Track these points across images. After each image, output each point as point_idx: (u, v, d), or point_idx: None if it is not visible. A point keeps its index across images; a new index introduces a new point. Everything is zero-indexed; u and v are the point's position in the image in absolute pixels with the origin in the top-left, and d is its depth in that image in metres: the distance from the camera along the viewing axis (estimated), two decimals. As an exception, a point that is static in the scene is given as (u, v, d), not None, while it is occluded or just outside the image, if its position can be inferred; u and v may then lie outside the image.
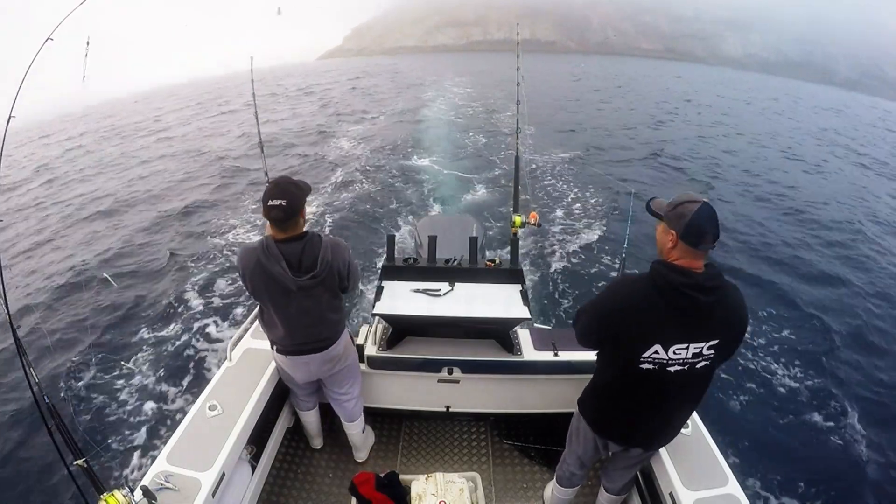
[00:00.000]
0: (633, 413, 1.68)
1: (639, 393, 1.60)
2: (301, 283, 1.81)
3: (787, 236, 8.33)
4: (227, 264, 6.92)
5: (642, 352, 1.46)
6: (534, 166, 11.39)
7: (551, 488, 2.25)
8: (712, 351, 1.46)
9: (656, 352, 1.45)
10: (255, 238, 6.97)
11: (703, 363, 1.48)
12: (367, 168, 11.73)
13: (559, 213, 8.84)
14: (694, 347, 1.44)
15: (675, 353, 1.45)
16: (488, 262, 2.67)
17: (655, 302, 1.41)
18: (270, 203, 1.72)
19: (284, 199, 1.73)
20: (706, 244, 1.36)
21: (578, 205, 9.26)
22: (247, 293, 5.75)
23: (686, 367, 1.47)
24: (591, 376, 1.83)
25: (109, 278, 6.26)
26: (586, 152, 13.54)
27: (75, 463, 1.45)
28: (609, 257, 6.90)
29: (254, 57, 3.20)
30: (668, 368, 1.47)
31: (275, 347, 2.07)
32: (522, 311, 2.30)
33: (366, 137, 15.52)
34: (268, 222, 1.82)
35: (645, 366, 1.49)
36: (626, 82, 37.10)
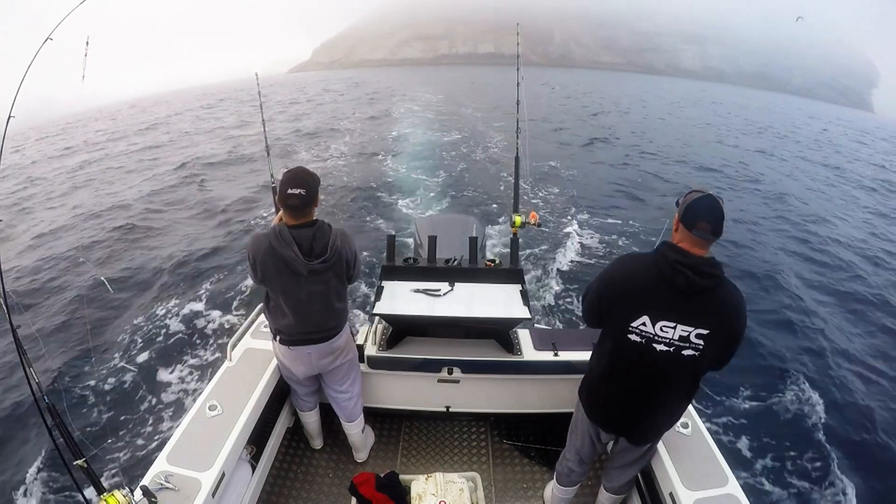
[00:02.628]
0: (621, 395, 1.70)
1: (627, 371, 1.64)
2: (312, 266, 1.88)
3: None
4: (228, 264, 6.92)
5: (631, 321, 1.53)
6: (536, 172, 11.46)
7: (551, 488, 2.25)
8: (701, 342, 1.48)
9: (644, 323, 1.51)
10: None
11: (689, 351, 1.49)
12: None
13: (559, 212, 8.85)
14: (682, 329, 1.48)
15: (662, 329, 1.49)
16: (488, 262, 2.67)
17: (651, 274, 1.49)
18: (290, 192, 1.81)
19: (303, 189, 1.82)
20: (700, 230, 1.42)
21: (578, 204, 9.28)
22: (249, 290, 5.85)
23: (672, 350, 1.50)
24: None
25: (105, 282, 6.26)
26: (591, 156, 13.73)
27: (75, 463, 1.45)
28: (611, 257, 6.90)
29: (256, 71, 3.46)
30: (654, 345, 1.52)
31: (278, 338, 2.08)
32: (522, 311, 2.30)
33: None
34: (279, 211, 1.93)
35: (633, 336, 1.54)
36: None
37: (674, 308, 1.47)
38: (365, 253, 6.90)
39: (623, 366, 1.64)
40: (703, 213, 1.42)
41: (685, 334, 1.48)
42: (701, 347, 1.49)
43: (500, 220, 7.96)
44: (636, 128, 21.54)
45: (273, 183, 2.71)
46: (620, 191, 10.86)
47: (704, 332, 1.46)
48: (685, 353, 1.50)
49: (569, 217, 8.60)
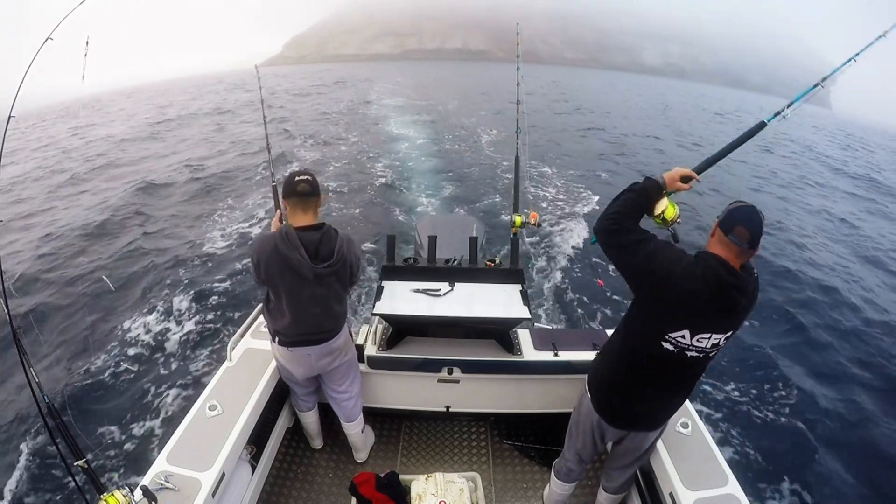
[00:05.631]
0: (635, 388, 1.69)
1: (650, 369, 1.63)
2: (318, 270, 1.89)
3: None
4: (227, 264, 6.92)
5: (670, 331, 1.51)
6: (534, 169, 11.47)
7: (550, 486, 2.25)
8: (726, 342, 1.55)
9: (683, 336, 1.51)
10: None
11: (714, 352, 1.56)
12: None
13: (558, 211, 8.84)
14: (715, 338, 1.51)
15: (698, 341, 1.51)
16: (488, 262, 2.67)
17: (702, 292, 1.43)
18: (297, 178, 1.89)
19: (309, 175, 1.92)
20: (737, 236, 1.39)
21: (576, 202, 9.28)
22: (249, 289, 5.84)
23: (701, 356, 1.54)
24: None
25: (106, 279, 6.25)
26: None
27: (75, 463, 1.45)
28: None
29: (256, 67, 3.37)
30: (687, 353, 1.53)
31: (276, 339, 2.08)
32: (522, 311, 2.30)
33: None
34: (285, 213, 1.98)
35: (666, 345, 1.53)
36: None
37: (714, 322, 1.49)
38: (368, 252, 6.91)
39: (647, 364, 1.62)
40: (744, 219, 1.40)
41: (717, 341, 1.52)
42: (722, 345, 1.56)
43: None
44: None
45: (274, 182, 2.72)
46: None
47: (731, 333, 1.53)
48: (710, 353, 1.56)
49: (570, 215, 8.60)
